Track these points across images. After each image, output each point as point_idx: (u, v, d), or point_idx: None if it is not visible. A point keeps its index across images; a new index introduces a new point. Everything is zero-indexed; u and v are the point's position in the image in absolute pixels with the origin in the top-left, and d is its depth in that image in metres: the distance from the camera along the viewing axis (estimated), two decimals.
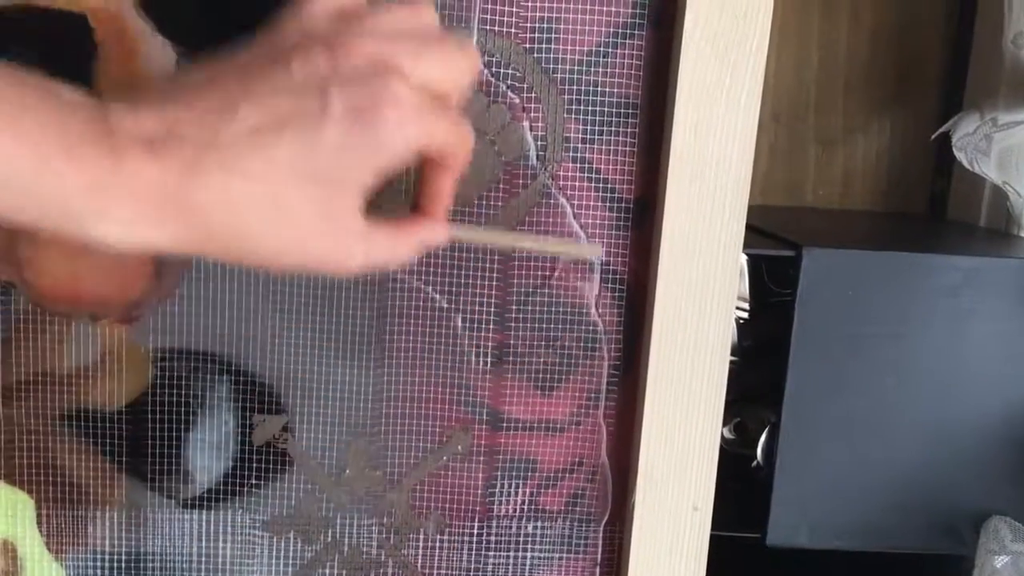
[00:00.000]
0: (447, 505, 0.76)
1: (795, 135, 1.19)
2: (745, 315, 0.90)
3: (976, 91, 1.12)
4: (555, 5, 0.67)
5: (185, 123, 0.46)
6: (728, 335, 0.71)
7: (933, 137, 1.10)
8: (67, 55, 0.65)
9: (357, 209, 0.50)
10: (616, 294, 0.72)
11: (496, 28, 0.67)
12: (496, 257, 0.71)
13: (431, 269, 0.71)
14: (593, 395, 0.74)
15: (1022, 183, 0.99)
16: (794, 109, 1.19)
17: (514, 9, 0.67)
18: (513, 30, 0.67)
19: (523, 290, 0.72)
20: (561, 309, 0.72)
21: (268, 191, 0.47)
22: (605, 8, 0.68)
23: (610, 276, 0.72)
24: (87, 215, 0.45)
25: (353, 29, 0.49)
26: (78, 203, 0.45)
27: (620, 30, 0.68)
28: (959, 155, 1.03)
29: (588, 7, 0.67)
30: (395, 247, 0.54)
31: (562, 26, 0.68)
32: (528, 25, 0.67)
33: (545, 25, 0.68)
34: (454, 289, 0.71)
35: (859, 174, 1.22)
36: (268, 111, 0.47)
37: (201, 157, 0.46)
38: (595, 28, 0.68)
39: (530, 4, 0.67)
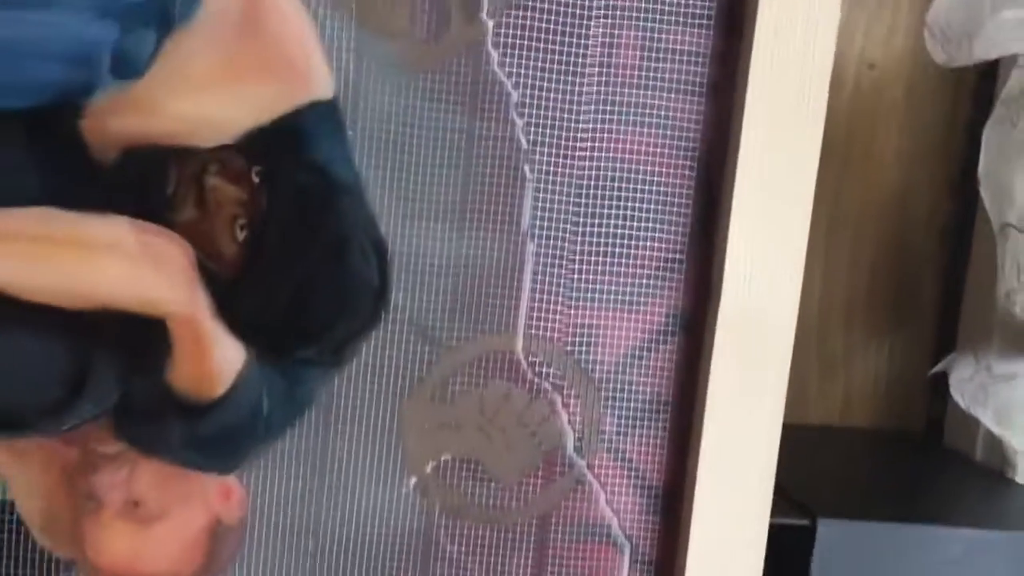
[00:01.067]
0: None
1: (799, 357, 1.24)
2: None
3: (970, 330, 1.18)
4: (596, 312, 0.73)
5: None
6: None
7: (930, 374, 1.16)
8: (145, 355, 0.69)
9: None
10: (645, 575, 0.76)
11: (541, 332, 0.73)
12: (533, 536, 0.75)
13: (471, 545, 0.75)
14: None
15: (1018, 437, 1.04)
16: (798, 333, 1.25)
17: (558, 316, 0.73)
18: (556, 334, 0.73)
19: (556, 570, 0.75)
20: None
21: None
22: (641, 316, 0.74)
23: (640, 558, 0.76)
24: None
25: None
26: None
27: (654, 335, 0.74)
28: (957, 397, 1.09)
29: (626, 315, 0.73)
30: None
31: (601, 331, 0.73)
32: (570, 330, 0.73)
33: (586, 330, 0.73)
34: (491, 565, 0.75)
35: (858, 394, 1.28)
36: None
37: None
38: (631, 333, 0.74)
39: (573, 311, 0.73)
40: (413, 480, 0.73)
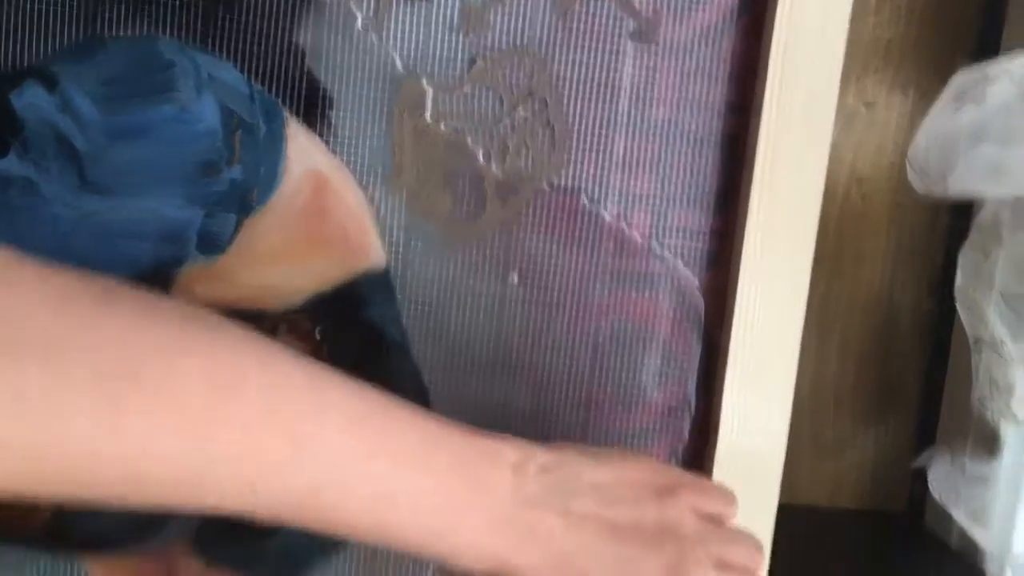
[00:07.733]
0: None
1: (793, 443, 1.35)
2: None
3: (947, 428, 1.29)
4: None
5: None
6: None
7: (912, 466, 1.26)
8: None
9: None
10: None
11: None
12: None
13: None
14: None
15: (989, 539, 1.14)
16: (793, 421, 1.36)
17: None
18: None
19: None
20: None
21: None
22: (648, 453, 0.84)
23: None
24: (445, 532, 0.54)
25: (697, 542, 0.63)
26: (438, 520, 0.53)
27: None
28: (934, 493, 1.19)
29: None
30: None
31: None
32: None
33: None
34: None
35: (846, 478, 1.38)
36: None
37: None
38: None
39: None
40: None
